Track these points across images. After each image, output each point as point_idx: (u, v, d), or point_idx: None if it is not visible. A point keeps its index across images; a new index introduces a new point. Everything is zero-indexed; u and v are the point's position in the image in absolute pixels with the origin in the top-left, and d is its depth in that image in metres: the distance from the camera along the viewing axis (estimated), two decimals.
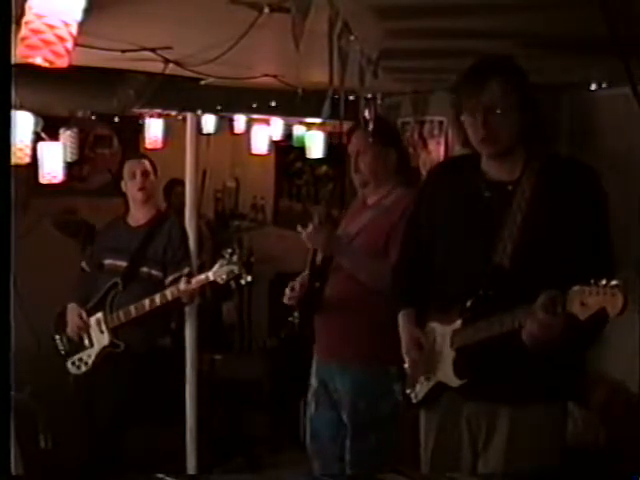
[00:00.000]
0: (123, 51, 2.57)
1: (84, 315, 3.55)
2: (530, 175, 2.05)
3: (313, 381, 3.10)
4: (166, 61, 2.79)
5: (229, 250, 3.29)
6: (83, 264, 3.78)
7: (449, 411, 2.19)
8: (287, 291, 2.99)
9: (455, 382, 2.12)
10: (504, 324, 1.94)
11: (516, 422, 2.06)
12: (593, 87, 2.97)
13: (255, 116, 4.81)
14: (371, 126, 2.76)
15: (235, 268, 3.25)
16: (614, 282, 1.69)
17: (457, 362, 2.11)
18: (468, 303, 2.06)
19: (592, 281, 1.72)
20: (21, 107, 3.35)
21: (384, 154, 2.91)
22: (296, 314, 2.98)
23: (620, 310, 1.68)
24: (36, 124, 3.61)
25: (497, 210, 2.06)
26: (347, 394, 2.93)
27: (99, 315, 3.52)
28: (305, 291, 2.94)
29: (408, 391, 2.31)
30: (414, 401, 2.29)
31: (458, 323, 2.09)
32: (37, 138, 3.65)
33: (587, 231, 2.00)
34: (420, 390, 2.26)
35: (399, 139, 3.13)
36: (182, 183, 4.17)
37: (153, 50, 2.61)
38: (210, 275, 3.30)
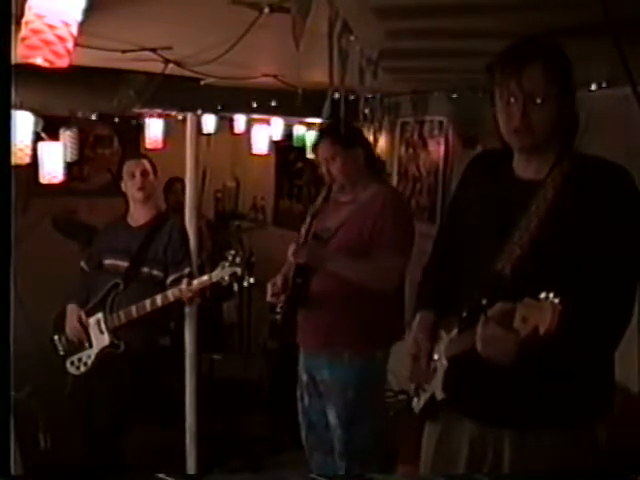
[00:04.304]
0: (123, 51, 2.58)
1: (83, 316, 3.54)
2: (556, 176, 1.82)
3: (302, 375, 3.16)
4: (166, 61, 2.80)
5: (232, 251, 3.28)
6: (83, 264, 3.78)
7: (450, 427, 2.06)
8: (269, 288, 3.02)
9: (439, 395, 2.00)
10: None
11: (519, 448, 1.88)
12: (593, 87, 2.97)
13: (255, 116, 4.81)
14: (341, 131, 2.87)
15: (238, 270, 3.24)
16: (550, 295, 1.51)
17: (447, 374, 1.98)
18: (464, 313, 1.89)
19: (542, 295, 1.53)
20: (21, 107, 3.35)
21: (353, 156, 2.99)
22: (278, 309, 3.01)
23: (548, 327, 1.50)
24: (36, 124, 3.62)
25: (518, 211, 1.85)
26: (336, 385, 2.98)
27: (99, 315, 3.50)
28: (290, 287, 2.97)
29: (415, 400, 2.16)
30: (416, 411, 2.16)
31: (454, 332, 1.95)
32: (37, 138, 3.65)
33: (611, 251, 1.74)
34: (420, 400, 2.14)
35: (363, 137, 3.18)
36: (180, 180, 4.18)
37: (153, 50, 2.62)
38: (213, 276, 3.29)
